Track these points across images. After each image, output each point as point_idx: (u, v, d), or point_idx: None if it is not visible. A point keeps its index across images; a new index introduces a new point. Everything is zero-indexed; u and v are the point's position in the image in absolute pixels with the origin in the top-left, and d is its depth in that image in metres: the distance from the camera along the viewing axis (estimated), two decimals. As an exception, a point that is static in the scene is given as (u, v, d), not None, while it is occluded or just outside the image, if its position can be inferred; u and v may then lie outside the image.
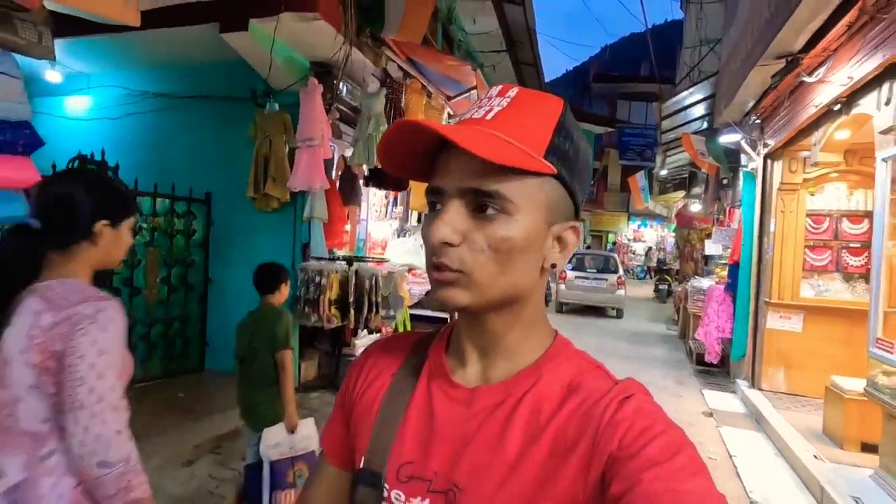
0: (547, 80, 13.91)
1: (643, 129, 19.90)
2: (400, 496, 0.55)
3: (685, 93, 6.55)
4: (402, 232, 6.30)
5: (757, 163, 5.25)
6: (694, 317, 7.55)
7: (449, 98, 5.19)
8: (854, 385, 3.63)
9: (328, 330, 4.50)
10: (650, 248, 22.85)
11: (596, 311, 11.43)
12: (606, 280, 10.79)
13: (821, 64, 3.46)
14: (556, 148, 0.51)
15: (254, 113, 4.53)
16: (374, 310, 4.45)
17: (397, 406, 0.59)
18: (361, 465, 0.58)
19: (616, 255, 12.31)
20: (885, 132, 2.97)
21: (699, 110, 6.75)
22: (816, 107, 3.65)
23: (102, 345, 0.97)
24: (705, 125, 6.96)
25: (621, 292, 10.76)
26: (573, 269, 10.91)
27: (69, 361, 0.95)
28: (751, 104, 4.73)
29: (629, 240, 24.14)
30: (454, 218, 0.51)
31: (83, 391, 0.93)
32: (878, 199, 3.19)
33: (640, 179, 13.65)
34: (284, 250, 4.63)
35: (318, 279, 4.26)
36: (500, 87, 0.55)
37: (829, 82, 3.43)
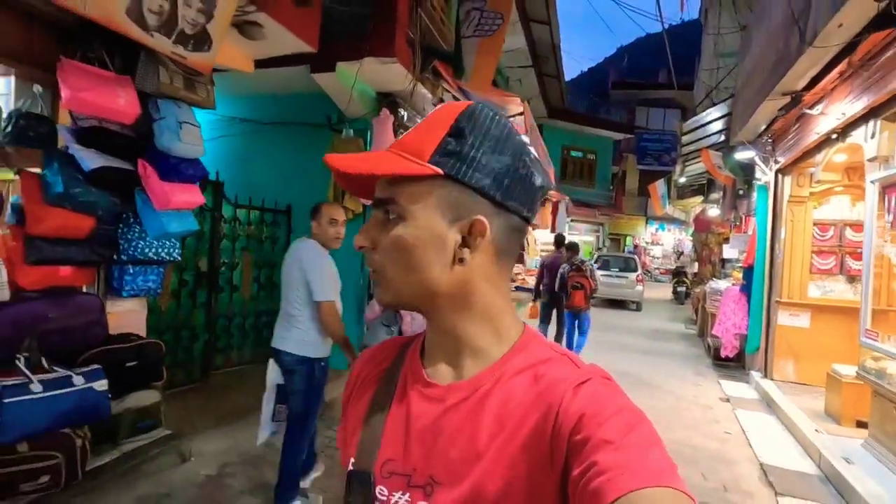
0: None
1: (661, 135, 20.44)
2: (383, 491, 0.57)
3: (704, 112, 7.18)
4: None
5: (769, 177, 5.88)
6: (711, 315, 8.15)
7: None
8: (851, 371, 4.26)
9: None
10: (681, 253, 23.21)
11: (619, 304, 12.92)
12: (627, 278, 12.52)
13: (820, 100, 4.11)
14: (445, 150, 0.54)
15: (331, 137, 5.31)
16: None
17: (381, 408, 0.62)
18: (352, 467, 0.61)
19: (636, 257, 13.63)
20: (871, 160, 3.63)
21: (717, 126, 7.37)
22: (818, 134, 4.30)
23: None
24: (723, 138, 7.58)
25: (639, 288, 12.49)
26: (599, 268, 11.86)
27: None
28: (763, 127, 5.38)
29: (647, 243, 24.57)
30: (370, 225, 0.58)
31: None
32: (868, 212, 3.84)
33: (659, 187, 14.22)
34: (356, 253, 5.41)
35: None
36: (441, 105, 0.59)
37: (827, 115, 4.08)
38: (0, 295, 2.49)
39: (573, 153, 18.97)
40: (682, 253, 21.09)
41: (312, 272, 2.64)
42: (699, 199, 14.62)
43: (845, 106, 3.76)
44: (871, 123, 3.54)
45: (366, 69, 4.65)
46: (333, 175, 0.58)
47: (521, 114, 5.29)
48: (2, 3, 2.51)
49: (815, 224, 5.60)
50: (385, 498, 0.57)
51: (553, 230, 12.98)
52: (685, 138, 8.03)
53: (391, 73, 4.81)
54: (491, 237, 0.56)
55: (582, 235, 20.01)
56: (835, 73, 3.62)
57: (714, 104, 7.08)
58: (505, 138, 0.56)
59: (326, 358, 2.81)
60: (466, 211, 0.55)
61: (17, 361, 2.42)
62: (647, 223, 23.97)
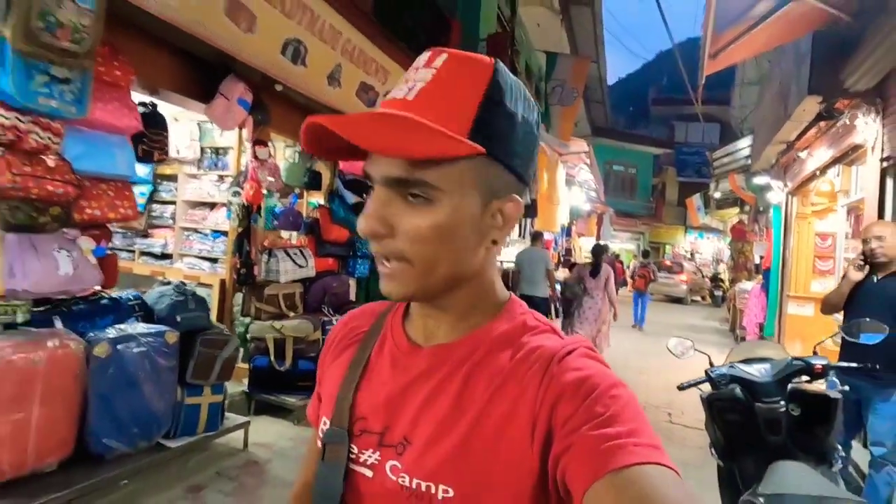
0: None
1: (699, 148, 21.66)
2: (353, 450, 0.57)
3: (731, 145, 8.78)
4: (507, 242, 8.97)
5: (781, 198, 7.48)
6: (740, 311, 9.68)
7: (561, 154, 7.77)
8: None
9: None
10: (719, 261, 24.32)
11: (672, 300, 16.16)
12: (674, 278, 16.05)
13: (806, 147, 5.77)
14: (483, 124, 0.47)
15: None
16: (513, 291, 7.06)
17: (357, 368, 0.61)
18: (328, 426, 0.59)
19: (684, 263, 17.05)
20: (838, 191, 5.29)
21: (743, 153, 8.94)
22: (807, 171, 5.95)
23: None
24: (749, 162, 9.13)
25: (684, 286, 16.02)
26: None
27: None
28: (773, 161, 7.01)
29: (686, 251, 25.63)
30: (381, 208, 0.49)
31: None
32: (840, 228, 5.47)
33: (696, 200, 15.66)
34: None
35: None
36: (428, 54, 0.51)
37: (812, 157, 5.74)
38: (310, 273, 4.53)
39: (615, 167, 20.52)
40: (720, 261, 22.06)
41: None
42: (736, 209, 15.87)
43: (821, 153, 5.42)
44: (836, 167, 5.20)
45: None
46: (307, 136, 0.49)
47: (585, 152, 7.11)
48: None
49: (816, 235, 7.16)
50: (354, 456, 0.56)
51: (598, 239, 14.68)
52: (716, 162, 9.60)
53: (492, 126, 6.74)
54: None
55: (623, 244, 21.43)
56: (811, 133, 5.30)
57: (742, 134, 8.68)
58: (529, 108, 0.52)
59: None
60: (500, 189, 0.51)
61: (322, 308, 4.47)
62: (685, 232, 25.05)
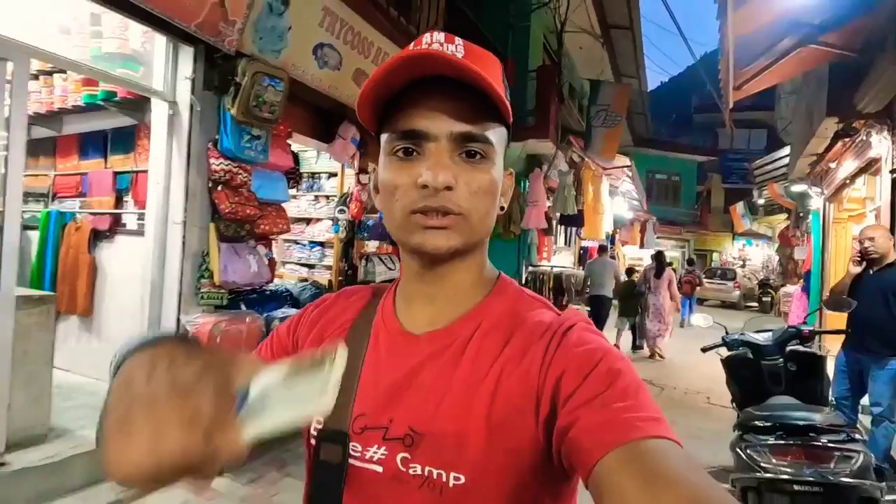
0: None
1: (745, 154, 21.57)
2: (357, 448, 0.55)
3: (769, 155, 9.23)
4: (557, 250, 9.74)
5: (819, 204, 7.91)
6: (784, 314, 10.02)
7: (605, 168, 8.52)
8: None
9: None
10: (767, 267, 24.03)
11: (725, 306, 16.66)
12: (727, 284, 17.07)
13: (836, 158, 6.30)
14: (507, 98, 0.54)
15: (499, 186, 8.18)
16: (570, 294, 7.83)
17: (354, 363, 0.58)
18: (322, 425, 0.57)
19: (735, 269, 18.28)
20: (865, 198, 5.81)
21: (783, 162, 9.34)
22: (840, 178, 6.45)
23: None
24: (787, 170, 9.53)
25: (737, 292, 16.88)
26: (707, 277, 16.80)
27: None
28: (807, 171, 7.50)
29: (734, 258, 25.30)
30: (449, 162, 0.52)
31: None
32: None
33: (739, 208, 15.84)
34: (514, 263, 8.20)
35: (540, 276, 7.75)
36: (440, 33, 0.54)
37: (842, 167, 6.27)
38: (397, 274, 5.49)
39: (658, 176, 20.79)
40: (768, 267, 21.78)
41: None
42: (784, 216, 15.89)
43: (848, 164, 5.95)
44: (862, 177, 5.73)
45: (527, 145, 7.47)
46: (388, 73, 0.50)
47: (627, 166, 7.83)
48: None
49: (853, 238, 7.57)
50: (359, 454, 0.55)
51: (642, 246, 15.14)
52: (757, 171, 10.02)
53: (541, 146, 7.60)
54: None
55: (668, 251, 21.55)
56: (838, 146, 5.86)
57: (785, 141, 9.14)
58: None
59: None
60: (504, 162, 0.57)
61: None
62: (733, 239, 24.78)
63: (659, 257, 7.84)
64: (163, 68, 3.27)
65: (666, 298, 7.52)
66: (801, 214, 9.15)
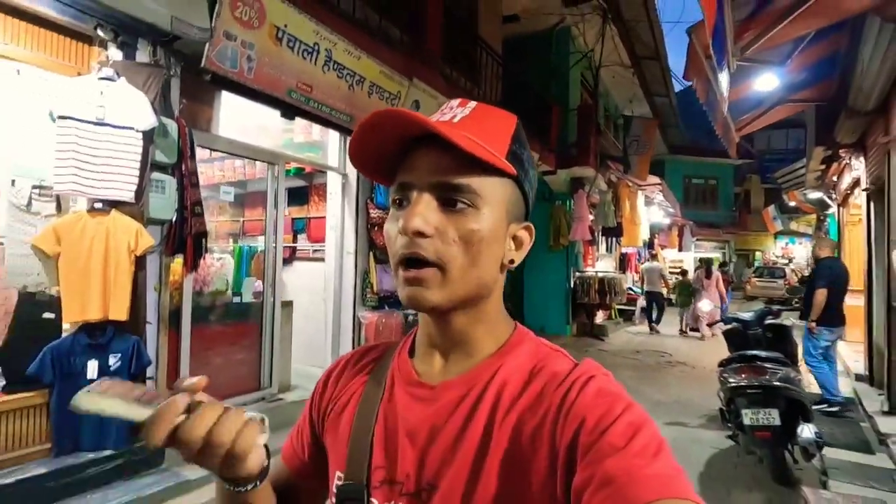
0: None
1: (783, 155, 22.08)
2: (374, 503, 0.55)
3: (789, 167, 10.37)
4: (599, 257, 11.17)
5: (834, 208, 9.02)
6: (814, 307, 11.06)
7: (640, 186, 9.90)
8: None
9: (588, 304, 9.39)
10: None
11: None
12: (777, 282, 18.16)
13: (836, 173, 7.50)
14: (513, 153, 0.55)
15: (548, 205, 9.70)
16: (611, 294, 9.24)
17: (368, 415, 0.60)
18: (342, 481, 0.58)
19: (785, 268, 19.50)
20: (861, 205, 7.02)
21: (801, 171, 10.43)
22: (843, 188, 7.63)
23: None
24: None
25: (783, 289, 17.65)
26: (756, 276, 18.48)
27: None
28: (815, 184, 8.67)
29: (777, 257, 25.58)
30: (425, 210, 0.52)
31: None
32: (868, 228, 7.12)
33: (771, 211, 16.66)
34: (563, 270, 9.69)
35: (587, 281, 9.21)
36: (458, 99, 0.59)
37: (842, 180, 7.48)
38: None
39: (695, 181, 21.60)
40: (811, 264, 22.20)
41: None
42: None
43: (846, 178, 7.17)
44: (857, 189, 6.96)
45: (573, 171, 8.99)
46: (363, 137, 0.54)
47: (658, 184, 9.19)
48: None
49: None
50: None
51: (680, 250, 16.22)
52: (780, 179, 11.09)
53: (585, 171, 9.08)
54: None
55: (708, 252, 22.28)
56: (834, 166, 7.09)
57: (800, 156, 10.28)
58: (533, 166, 0.60)
59: None
60: (517, 215, 0.57)
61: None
62: (775, 238, 25.10)
63: (708, 262, 10.48)
64: (337, 151, 5.05)
65: (714, 294, 9.66)
66: (822, 217, 10.20)
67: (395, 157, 0.56)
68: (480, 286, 0.55)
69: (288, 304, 4.57)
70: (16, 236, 2.79)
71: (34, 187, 2.88)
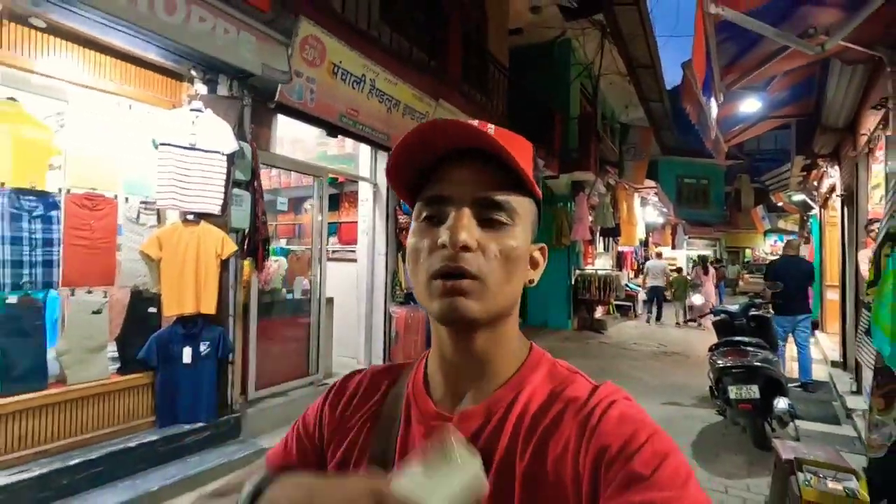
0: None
1: (772, 155, 22.85)
2: None
3: (774, 171, 11.06)
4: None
5: (816, 210, 9.70)
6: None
7: (636, 188, 10.53)
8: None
9: (589, 300, 10.03)
10: None
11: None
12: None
13: (816, 178, 8.16)
14: (535, 176, 0.57)
15: (551, 207, 10.30)
16: (609, 290, 9.88)
17: (387, 448, 0.59)
18: None
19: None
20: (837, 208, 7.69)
21: (786, 175, 11.12)
22: (823, 191, 8.30)
23: None
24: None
25: None
26: (748, 273, 19.59)
27: None
28: (798, 187, 9.35)
29: (766, 254, 26.39)
30: (469, 225, 0.52)
31: None
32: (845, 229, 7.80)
33: (760, 211, 17.40)
34: (565, 268, 10.31)
35: (588, 278, 9.84)
36: (476, 121, 0.56)
37: (823, 184, 8.15)
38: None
39: (687, 181, 22.32)
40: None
41: None
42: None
43: (825, 183, 7.85)
44: (834, 194, 7.62)
45: (574, 175, 9.60)
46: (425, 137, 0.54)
47: (653, 188, 9.82)
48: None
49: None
50: None
51: (673, 248, 16.93)
52: (767, 182, 11.79)
53: (585, 175, 9.70)
54: None
55: (700, 250, 23.03)
56: (814, 172, 7.76)
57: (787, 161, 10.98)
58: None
59: None
60: (534, 236, 0.59)
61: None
62: (765, 236, 25.89)
63: (704, 260, 11.77)
64: (368, 163, 5.62)
65: (710, 288, 10.95)
66: (805, 218, 10.90)
67: (425, 170, 0.57)
68: (512, 303, 0.57)
69: (329, 301, 5.14)
70: (128, 244, 3.36)
71: (141, 203, 3.45)
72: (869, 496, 1.68)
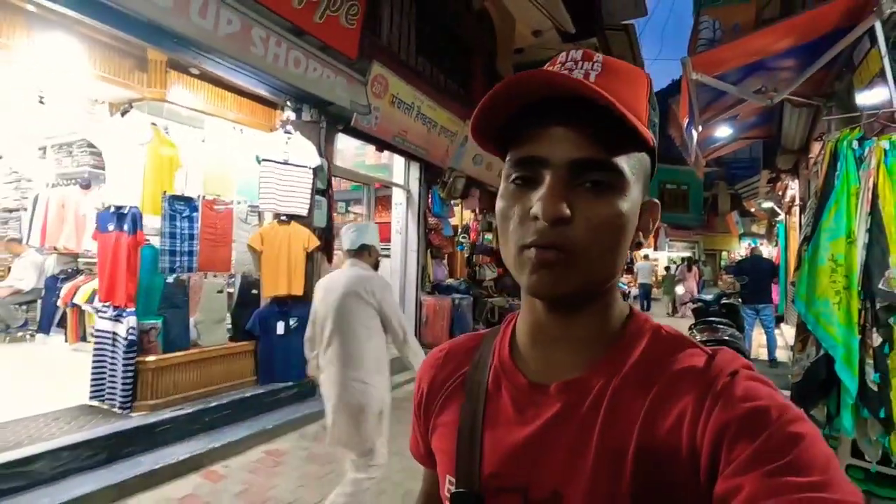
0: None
1: (748, 163, 24.37)
2: None
3: (746, 181, 12.30)
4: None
5: (782, 216, 10.94)
6: (767, 299, 13.13)
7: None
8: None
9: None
10: None
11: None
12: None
13: (781, 190, 9.35)
14: (650, 121, 0.49)
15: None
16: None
17: (475, 418, 0.56)
18: (455, 488, 0.55)
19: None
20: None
21: (756, 184, 12.37)
22: (787, 201, 9.49)
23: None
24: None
25: None
26: (726, 273, 20.51)
27: None
28: (765, 196, 10.55)
29: (742, 256, 27.93)
30: (564, 191, 0.46)
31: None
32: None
33: (734, 216, 18.79)
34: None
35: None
36: (580, 51, 0.50)
37: (786, 195, 9.33)
38: (495, 275, 8.73)
39: (668, 186, 23.64)
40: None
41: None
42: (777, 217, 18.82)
43: (788, 193, 9.03)
44: (794, 204, 8.80)
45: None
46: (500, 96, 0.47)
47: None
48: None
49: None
50: None
51: (655, 249, 18.18)
52: (741, 191, 13.05)
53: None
54: None
55: (679, 252, 24.43)
56: (779, 184, 8.93)
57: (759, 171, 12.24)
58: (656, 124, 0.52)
59: None
60: (647, 191, 0.51)
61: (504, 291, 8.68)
62: (740, 239, 27.44)
63: (689, 259, 13.95)
64: (402, 171, 6.55)
65: (692, 284, 12.47)
66: (773, 223, 12.17)
67: (505, 124, 0.50)
68: (614, 273, 0.50)
69: (373, 289, 6.07)
70: (239, 239, 4.24)
71: (248, 206, 4.33)
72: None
